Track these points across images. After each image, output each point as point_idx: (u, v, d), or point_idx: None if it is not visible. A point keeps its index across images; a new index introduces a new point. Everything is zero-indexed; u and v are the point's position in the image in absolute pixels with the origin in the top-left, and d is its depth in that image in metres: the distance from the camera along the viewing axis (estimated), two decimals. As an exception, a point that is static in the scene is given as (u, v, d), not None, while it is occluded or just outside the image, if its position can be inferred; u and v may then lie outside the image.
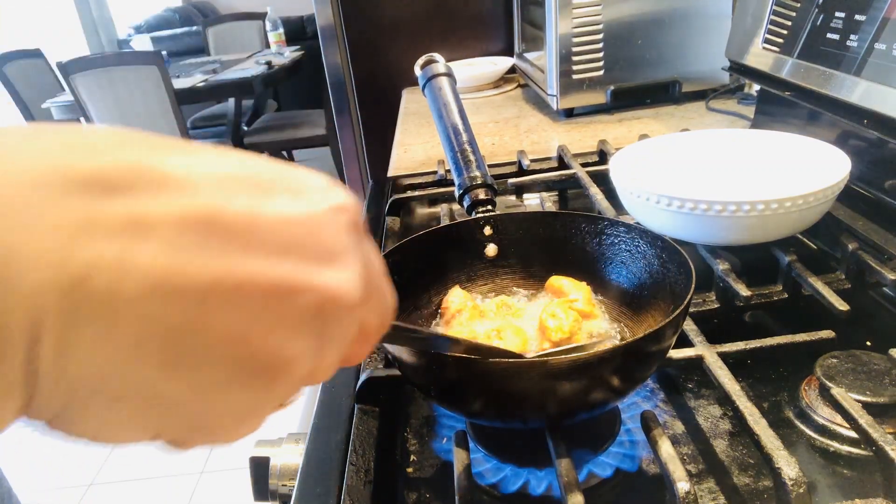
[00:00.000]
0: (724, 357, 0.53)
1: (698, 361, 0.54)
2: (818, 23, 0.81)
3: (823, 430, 0.50)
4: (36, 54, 4.11)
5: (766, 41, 0.92)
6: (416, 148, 1.31)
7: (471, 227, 0.63)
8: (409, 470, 0.52)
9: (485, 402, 0.45)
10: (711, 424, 0.53)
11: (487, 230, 0.62)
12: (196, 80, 3.50)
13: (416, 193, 0.98)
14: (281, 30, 4.20)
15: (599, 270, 0.59)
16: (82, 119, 3.24)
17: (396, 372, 0.55)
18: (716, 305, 0.65)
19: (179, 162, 0.21)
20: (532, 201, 1.00)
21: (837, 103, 0.76)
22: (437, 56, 0.70)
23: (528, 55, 1.59)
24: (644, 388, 0.58)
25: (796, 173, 0.69)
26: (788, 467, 0.42)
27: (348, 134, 1.99)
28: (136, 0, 5.89)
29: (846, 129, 0.80)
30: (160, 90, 3.10)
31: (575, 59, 1.30)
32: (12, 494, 0.80)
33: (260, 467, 0.56)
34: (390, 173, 1.19)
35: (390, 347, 0.47)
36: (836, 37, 0.77)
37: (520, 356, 0.46)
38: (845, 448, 0.49)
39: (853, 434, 0.48)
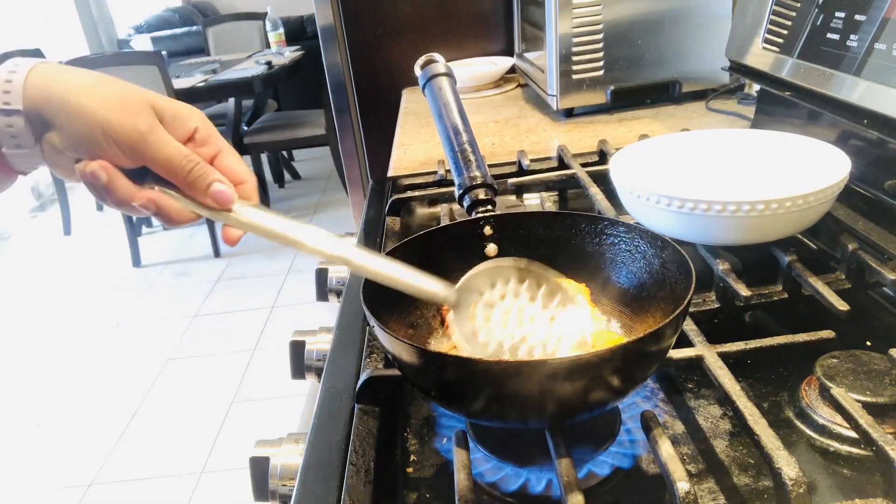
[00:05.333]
0: (724, 357, 0.53)
1: (698, 361, 0.54)
2: (818, 23, 0.81)
3: (823, 430, 0.50)
4: (36, 54, 4.11)
5: (766, 41, 0.92)
6: (416, 148, 1.31)
7: (471, 227, 0.62)
8: (409, 470, 0.52)
9: (485, 402, 0.45)
10: (711, 424, 0.53)
11: (487, 230, 0.62)
12: (196, 80, 3.50)
13: (416, 193, 0.98)
14: (281, 30, 4.21)
15: (599, 270, 0.59)
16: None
17: (396, 372, 0.55)
18: (716, 305, 0.65)
19: None
20: (532, 201, 1.00)
21: (837, 103, 0.76)
22: (436, 56, 0.70)
23: (528, 55, 1.59)
24: (644, 388, 0.58)
25: (796, 173, 0.69)
26: (788, 467, 0.42)
27: (348, 134, 1.99)
28: (136, 0, 5.89)
29: (846, 129, 0.80)
30: (160, 90, 3.10)
31: (575, 59, 1.30)
32: None
33: (260, 467, 0.56)
34: (390, 173, 1.19)
35: (390, 347, 0.47)
36: (836, 37, 0.77)
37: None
38: (845, 448, 0.49)
39: (853, 434, 0.48)
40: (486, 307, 0.54)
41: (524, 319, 0.54)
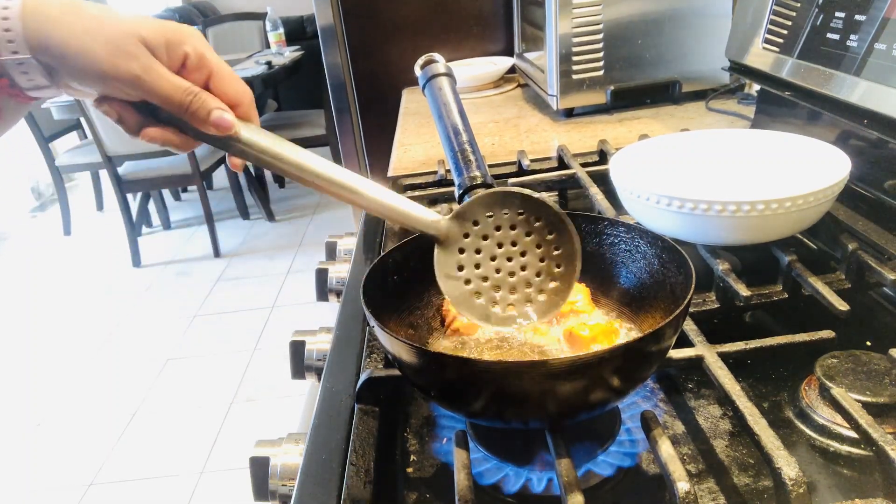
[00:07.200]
0: (724, 357, 0.54)
1: (698, 361, 0.54)
2: (818, 23, 0.81)
3: (823, 430, 0.50)
4: (36, 54, 4.11)
5: (766, 41, 0.92)
6: (416, 148, 1.31)
7: (471, 227, 0.62)
8: (409, 470, 0.52)
9: (485, 402, 0.45)
10: (711, 424, 0.53)
11: (487, 230, 0.62)
12: (196, 80, 3.49)
13: (417, 193, 0.98)
14: (281, 30, 4.20)
15: (599, 270, 0.59)
16: (83, 119, 3.24)
17: (396, 372, 0.55)
18: (716, 305, 0.65)
19: None
20: (532, 201, 1.00)
21: (837, 103, 0.76)
22: (437, 56, 0.70)
23: (528, 55, 1.59)
24: (644, 388, 0.58)
25: (796, 173, 0.69)
26: (788, 467, 0.42)
27: (348, 134, 1.99)
28: (136, 0, 5.88)
29: (846, 129, 0.80)
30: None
31: (575, 59, 1.30)
32: None
33: (260, 467, 0.56)
34: (390, 173, 1.19)
35: (390, 347, 0.47)
36: (836, 37, 0.77)
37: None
38: (845, 448, 0.49)
39: (853, 434, 0.48)
40: (477, 238, 0.54)
41: (513, 256, 0.54)
